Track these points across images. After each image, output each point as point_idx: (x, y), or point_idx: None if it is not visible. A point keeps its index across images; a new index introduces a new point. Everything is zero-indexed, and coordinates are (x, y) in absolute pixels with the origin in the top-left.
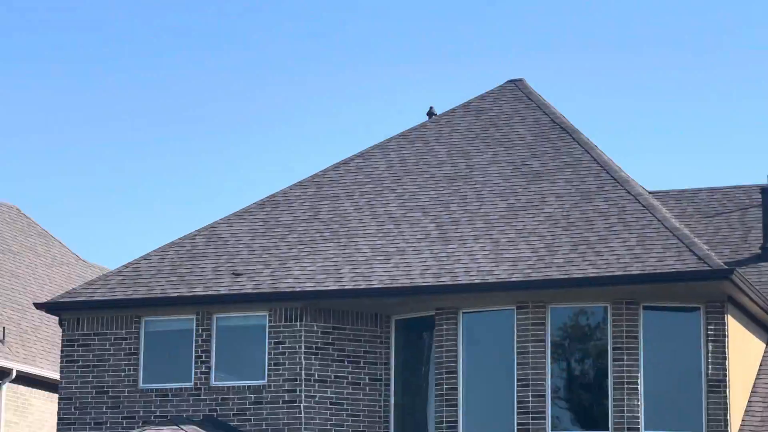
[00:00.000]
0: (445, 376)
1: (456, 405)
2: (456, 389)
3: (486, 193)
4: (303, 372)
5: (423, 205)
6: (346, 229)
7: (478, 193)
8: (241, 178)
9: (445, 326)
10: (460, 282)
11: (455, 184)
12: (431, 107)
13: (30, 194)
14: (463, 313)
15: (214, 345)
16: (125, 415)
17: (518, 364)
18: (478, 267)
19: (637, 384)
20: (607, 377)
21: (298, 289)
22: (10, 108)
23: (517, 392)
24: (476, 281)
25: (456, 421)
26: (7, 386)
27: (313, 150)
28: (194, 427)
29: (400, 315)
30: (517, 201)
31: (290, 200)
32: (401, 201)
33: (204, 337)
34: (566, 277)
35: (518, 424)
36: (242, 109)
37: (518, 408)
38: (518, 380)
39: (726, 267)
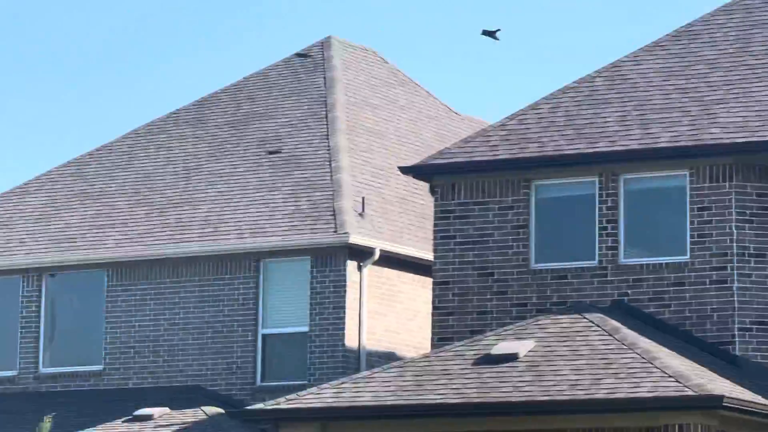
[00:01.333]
0: None
1: None
2: None
3: None
4: (735, 245)
5: None
6: None
7: None
8: (647, 3)
9: None
10: None
11: None
12: None
13: (389, 36)
14: None
15: (622, 213)
16: (514, 302)
17: None
18: None
19: None
20: None
21: (726, 141)
22: None
23: None
24: None
25: None
26: (370, 269)
27: None
28: (600, 315)
29: None
30: None
31: (713, 30)
32: None
33: (609, 204)
34: None
35: None
36: None
37: None
38: None
39: None
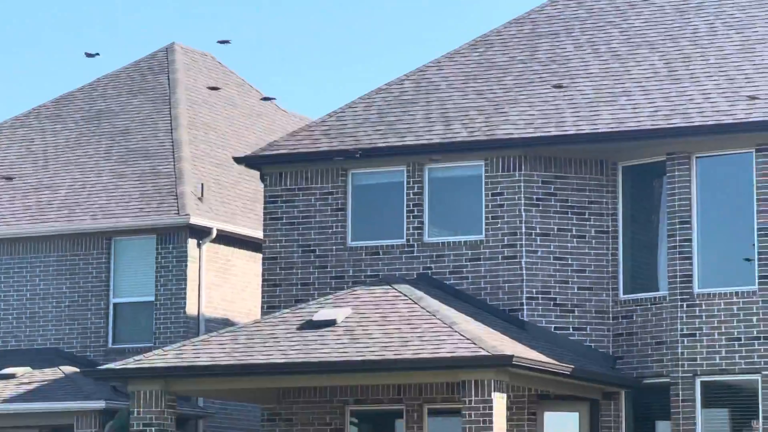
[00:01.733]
0: (678, 226)
1: (690, 257)
2: (690, 240)
3: (719, 25)
4: (523, 225)
5: (650, 40)
6: (567, 69)
7: (711, 26)
8: (449, 16)
9: (677, 172)
10: (693, 124)
11: (686, 16)
12: None
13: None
14: (697, 157)
15: (426, 198)
16: (333, 275)
17: (759, 211)
18: (713, 107)
19: None
20: None
21: (516, 136)
22: None
23: (758, 242)
24: (711, 122)
25: (691, 275)
26: (208, 246)
27: None
28: (408, 286)
29: (627, 161)
30: (754, 33)
31: (505, 39)
32: (626, 37)
33: (416, 190)
34: None
35: (759, 277)
36: None
37: (759, 259)
38: (759, 229)
39: None
